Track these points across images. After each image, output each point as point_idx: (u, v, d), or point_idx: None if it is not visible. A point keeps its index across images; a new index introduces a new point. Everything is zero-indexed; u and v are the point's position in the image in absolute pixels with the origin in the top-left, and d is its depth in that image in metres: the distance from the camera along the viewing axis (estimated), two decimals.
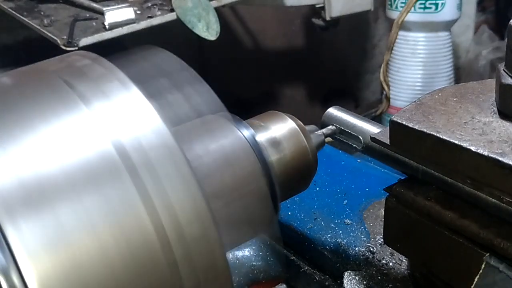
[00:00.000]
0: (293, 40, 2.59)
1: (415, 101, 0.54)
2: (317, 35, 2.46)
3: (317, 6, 2.00)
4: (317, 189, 0.80)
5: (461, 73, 2.66)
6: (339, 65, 2.83)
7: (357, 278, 0.62)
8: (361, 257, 0.65)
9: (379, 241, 0.67)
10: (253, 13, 2.39)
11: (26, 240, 0.30)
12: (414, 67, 2.38)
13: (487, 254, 0.46)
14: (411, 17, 2.21)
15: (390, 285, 0.61)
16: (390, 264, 0.63)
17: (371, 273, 0.63)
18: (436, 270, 0.53)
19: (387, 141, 0.53)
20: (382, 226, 0.70)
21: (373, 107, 2.63)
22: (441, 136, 0.47)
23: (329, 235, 0.70)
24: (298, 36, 2.58)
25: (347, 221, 0.73)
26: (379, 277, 0.62)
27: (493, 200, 0.46)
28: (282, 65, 2.57)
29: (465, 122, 0.49)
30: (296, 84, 2.67)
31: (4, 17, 1.62)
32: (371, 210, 0.74)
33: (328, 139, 0.62)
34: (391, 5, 2.38)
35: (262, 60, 2.52)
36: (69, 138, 0.34)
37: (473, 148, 0.45)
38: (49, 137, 0.34)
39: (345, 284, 0.62)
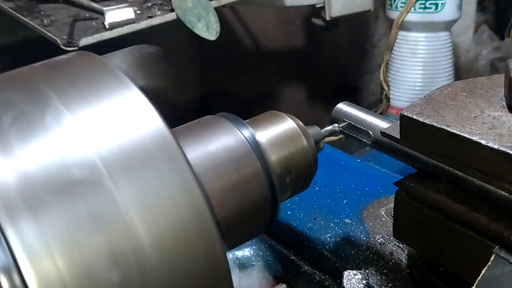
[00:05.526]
0: (293, 40, 2.59)
1: (424, 96, 0.54)
2: (317, 35, 2.46)
3: (317, 6, 2.00)
4: (317, 188, 0.80)
5: (461, 73, 2.65)
6: (339, 65, 2.83)
7: (356, 277, 0.62)
8: (361, 256, 0.66)
9: (379, 240, 0.67)
10: (253, 13, 2.39)
11: (26, 240, 0.30)
12: (414, 67, 2.38)
13: (497, 246, 0.46)
14: (411, 17, 2.21)
15: (389, 285, 0.61)
16: (390, 263, 0.64)
17: (370, 272, 0.63)
18: (446, 263, 0.54)
19: (397, 136, 0.54)
20: (381, 226, 0.70)
21: (373, 107, 2.63)
22: (451, 130, 0.47)
23: (328, 235, 0.70)
24: (298, 36, 2.58)
25: (347, 220, 0.73)
26: (378, 277, 0.62)
27: (503, 193, 0.46)
28: (282, 65, 2.57)
29: (474, 116, 0.49)
30: (296, 84, 2.67)
31: (4, 17, 1.62)
32: (371, 210, 0.74)
33: (328, 138, 0.62)
34: (391, 5, 2.38)
35: (262, 60, 2.52)
36: (68, 137, 0.34)
37: (483, 142, 0.45)
38: (49, 136, 0.34)
39: (345, 284, 0.62)
